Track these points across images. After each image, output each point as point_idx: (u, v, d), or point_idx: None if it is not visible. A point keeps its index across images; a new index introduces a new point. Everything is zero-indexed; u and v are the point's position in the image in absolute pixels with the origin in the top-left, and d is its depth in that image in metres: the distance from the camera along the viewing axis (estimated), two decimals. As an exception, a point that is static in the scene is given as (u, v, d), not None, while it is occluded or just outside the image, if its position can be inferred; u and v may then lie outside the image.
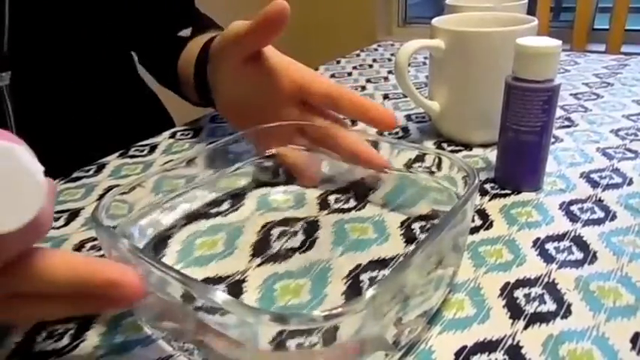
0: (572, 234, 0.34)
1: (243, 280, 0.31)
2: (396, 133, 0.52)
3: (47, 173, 0.20)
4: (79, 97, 0.53)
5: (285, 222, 0.37)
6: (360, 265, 0.32)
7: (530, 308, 0.28)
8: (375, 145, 0.37)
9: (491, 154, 0.46)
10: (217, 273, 0.32)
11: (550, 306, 0.28)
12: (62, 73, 0.50)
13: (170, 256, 0.34)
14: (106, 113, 0.56)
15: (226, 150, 0.38)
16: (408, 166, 0.36)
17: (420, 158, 0.35)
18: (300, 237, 0.35)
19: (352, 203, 0.39)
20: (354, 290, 0.30)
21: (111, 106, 0.57)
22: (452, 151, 0.47)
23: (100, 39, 0.53)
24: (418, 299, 0.26)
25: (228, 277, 0.31)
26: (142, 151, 0.51)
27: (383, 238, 0.34)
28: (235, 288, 0.31)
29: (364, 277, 0.31)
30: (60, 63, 0.50)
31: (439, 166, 0.33)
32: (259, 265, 0.32)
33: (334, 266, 0.32)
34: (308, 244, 0.34)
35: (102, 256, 0.35)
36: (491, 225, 0.36)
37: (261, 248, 0.34)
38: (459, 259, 0.30)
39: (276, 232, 0.36)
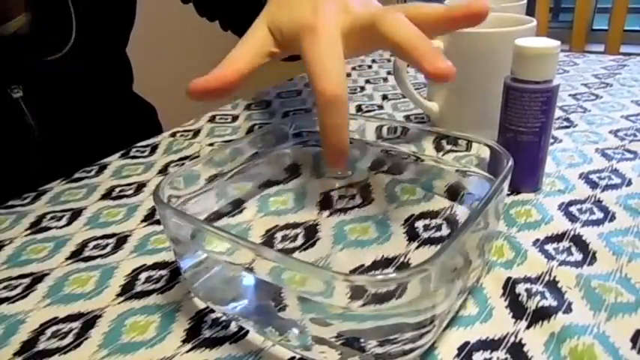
0: (572, 234, 0.34)
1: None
2: (395, 131, 0.52)
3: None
4: (81, 109, 0.56)
5: (287, 225, 0.37)
6: (362, 265, 0.32)
7: (532, 305, 0.28)
8: (406, 130, 0.39)
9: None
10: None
11: (551, 303, 0.28)
12: (70, 90, 0.54)
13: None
14: (104, 123, 0.59)
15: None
16: (437, 150, 0.38)
17: (451, 142, 0.37)
18: (301, 239, 0.35)
19: (357, 201, 0.39)
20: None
21: (108, 117, 0.60)
22: (450, 151, 0.47)
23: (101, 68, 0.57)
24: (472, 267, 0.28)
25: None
26: (143, 152, 0.51)
27: (384, 238, 0.35)
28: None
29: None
30: (68, 82, 0.53)
31: (468, 149, 0.36)
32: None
33: (333, 263, 0.32)
34: (309, 244, 0.34)
35: (102, 257, 0.35)
36: (491, 225, 0.36)
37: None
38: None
39: (279, 235, 0.36)
